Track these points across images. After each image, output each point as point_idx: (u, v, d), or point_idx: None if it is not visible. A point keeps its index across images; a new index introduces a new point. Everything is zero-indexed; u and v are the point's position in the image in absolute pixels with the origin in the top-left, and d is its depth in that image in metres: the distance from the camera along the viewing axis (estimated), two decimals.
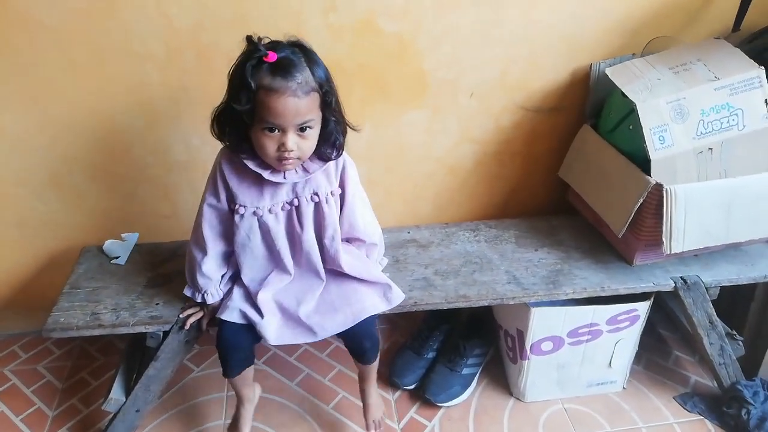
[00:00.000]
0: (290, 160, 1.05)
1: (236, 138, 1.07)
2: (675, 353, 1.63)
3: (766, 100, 1.24)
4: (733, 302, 1.49)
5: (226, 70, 1.03)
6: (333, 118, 1.07)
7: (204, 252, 1.17)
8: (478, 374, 1.54)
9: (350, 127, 1.12)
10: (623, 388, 1.51)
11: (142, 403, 1.28)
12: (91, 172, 1.41)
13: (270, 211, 1.13)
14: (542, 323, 1.36)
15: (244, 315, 1.16)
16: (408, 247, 1.47)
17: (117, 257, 1.40)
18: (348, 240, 1.24)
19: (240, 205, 1.12)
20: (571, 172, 1.52)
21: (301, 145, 1.04)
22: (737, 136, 1.24)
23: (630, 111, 1.28)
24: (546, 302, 1.35)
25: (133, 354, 1.38)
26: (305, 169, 1.11)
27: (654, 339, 1.66)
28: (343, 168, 1.17)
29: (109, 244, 1.43)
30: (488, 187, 1.60)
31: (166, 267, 1.38)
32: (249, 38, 1.00)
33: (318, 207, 1.15)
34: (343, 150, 1.13)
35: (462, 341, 1.53)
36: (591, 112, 1.47)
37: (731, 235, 1.28)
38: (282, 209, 1.14)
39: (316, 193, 1.14)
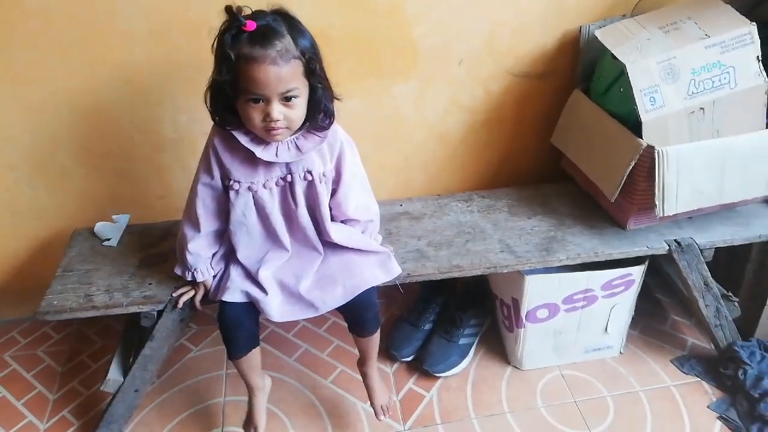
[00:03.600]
0: (278, 130, 1.03)
1: (224, 111, 1.05)
2: (672, 317, 1.63)
3: (757, 56, 1.22)
4: (728, 264, 1.49)
5: (211, 43, 1.01)
6: (320, 85, 1.05)
7: (197, 230, 1.17)
8: (475, 344, 1.54)
9: (336, 98, 1.10)
10: (620, 353, 1.52)
11: (140, 382, 1.28)
12: (79, 154, 1.40)
13: (264, 186, 1.12)
14: (537, 291, 1.36)
15: (246, 294, 1.16)
16: (400, 219, 1.46)
17: (108, 239, 1.40)
18: (343, 221, 1.23)
19: (234, 181, 1.11)
20: (563, 138, 1.50)
21: (288, 114, 1.03)
22: (729, 94, 1.23)
23: (620, 73, 1.26)
24: (540, 270, 1.34)
25: (130, 335, 1.38)
26: (298, 148, 1.09)
27: (651, 304, 1.66)
28: (340, 150, 1.16)
29: (100, 227, 1.42)
30: (479, 156, 1.59)
31: (158, 247, 1.38)
32: (228, 8, 0.98)
33: (311, 185, 1.14)
34: (333, 117, 1.11)
35: (458, 312, 1.53)
36: (582, 76, 1.45)
37: (725, 196, 1.28)
38: (276, 185, 1.13)
39: (309, 171, 1.13)
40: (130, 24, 1.26)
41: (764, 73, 1.23)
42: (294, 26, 1.01)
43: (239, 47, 0.97)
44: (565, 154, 1.51)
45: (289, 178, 1.12)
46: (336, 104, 1.11)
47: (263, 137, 1.06)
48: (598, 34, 1.31)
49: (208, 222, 1.16)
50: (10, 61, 1.26)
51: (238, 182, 1.11)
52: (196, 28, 1.27)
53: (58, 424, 1.39)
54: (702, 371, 1.45)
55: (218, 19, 0.99)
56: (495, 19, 1.39)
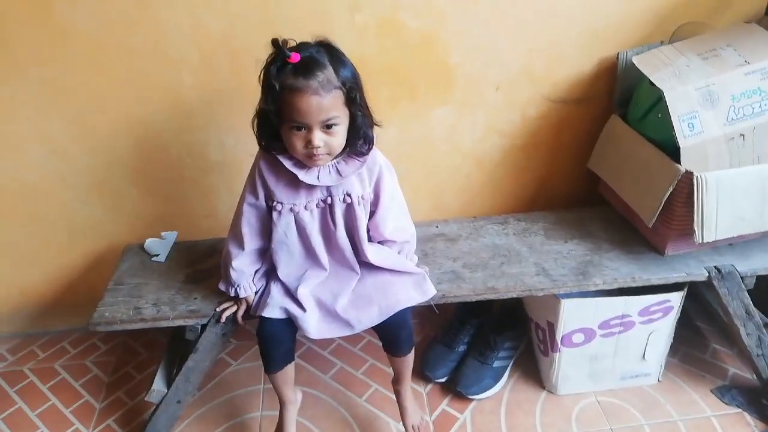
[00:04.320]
0: (319, 156, 1.08)
1: (270, 137, 1.11)
2: (713, 345, 1.60)
3: None
4: None
5: (257, 72, 1.07)
6: (359, 113, 1.10)
7: (241, 248, 1.22)
8: (509, 367, 1.54)
9: (376, 124, 1.15)
10: (658, 380, 1.49)
11: (183, 394, 1.33)
12: (131, 175, 1.48)
13: (306, 207, 1.17)
14: (573, 315, 1.36)
15: (286, 310, 1.20)
16: (436, 240, 1.49)
17: (157, 255, 1.46)
18: (380, 242, 1.27)
19: (278, 202, 1.17)
20: (600, 163, 1.51)
21: (329, 141, 1.07)
22: None
23: (658, 99, 1.27)
24: (577, 293, 1.34)
25: (175, 348, 1.44)
26: (339, 173, 1.14)
27: (691, 331, 1.63)
28: (379, 174, 1.19)
29: (149, 243, 1.49)
30: (516, 180, 1.61)
31: (204, 264, 1.44)
32: (274, 41, 1.03)
33: (350, 207, 1.18)
34: (373, 143, 1.15)
35: (493, 334, 1.54)
36: (619, 102, 1.46)
37: (767, 223, 1.26)
38: (317, 206, 1.18)
39: (348, 194, 1.17)
40: (179, 53, 1.33)
41: None
42: (336, 57, 1.06)
43: (284, 78, 1.02)
44: (602, 178, 1.51)
45: (329, 200, 1.17)
46: (375, 129, 1.15)
47: (305, 162, 1.11)
48: (635, 60, 1.32)
49: (252, 240, 1.21)
50: (66, 87, 1.35)
51: (281, 203, 1.16)
52: (240, 55, 1.34)
53: None
54: (744, 402, 1.41)
55: (264, 50, 1.04)
56: (531, 46, 1.41)
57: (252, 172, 1.19)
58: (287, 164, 1.12)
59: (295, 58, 1.01)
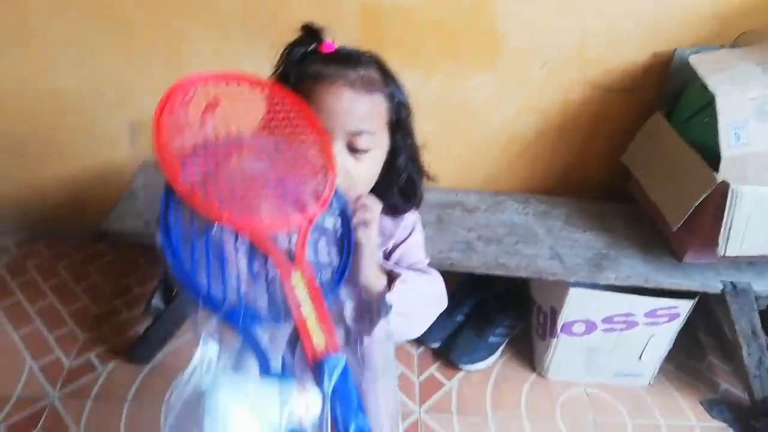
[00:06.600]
0: None
1: None
2: (710, 358, 1.59)
3: None
4: None
5: None
6: (407, 144, 0.75)
7: None
8: (504, 345, 1.54)
9: (426, 176, 0.79)
10: (649, 383, 1.49)
11: (179, 315, 1.34)
12: None
13: None
14: (578, 305, 1.35)
15: None
16: (455, 208, 1.47)
17: None
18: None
19: None
20: (635, 159, 1.47)
21: (354, 171, 0.69)
22: None
23: (708, 103, 1.22)
24: (585, 284, 1.33)
25: None
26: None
27: (691, 340, 1.61)
28: (411, 232, 0.82)
29: None
30: (546, 162, 1.57)
31: None
32: (307, 26, 0.72)
33: None
34: (421, 201, 0.79)
35: (494, 311, 1.54)
36: (666, 100, 1.41)
37: None
38: None
39: None
40: None
41: None
42: (388, 72, 0.74)
43: (308, 65, 0.70)
44: (633, 175, 1.48)
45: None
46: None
47: None
48: (692, 60, 1.27)
49: None
50: None
51: None
52: None
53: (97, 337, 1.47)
54: (731, 419, 1.41)
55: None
56: (586, 27, 1.36)
57: None
58: None
59: (329, 47, 0.72)
